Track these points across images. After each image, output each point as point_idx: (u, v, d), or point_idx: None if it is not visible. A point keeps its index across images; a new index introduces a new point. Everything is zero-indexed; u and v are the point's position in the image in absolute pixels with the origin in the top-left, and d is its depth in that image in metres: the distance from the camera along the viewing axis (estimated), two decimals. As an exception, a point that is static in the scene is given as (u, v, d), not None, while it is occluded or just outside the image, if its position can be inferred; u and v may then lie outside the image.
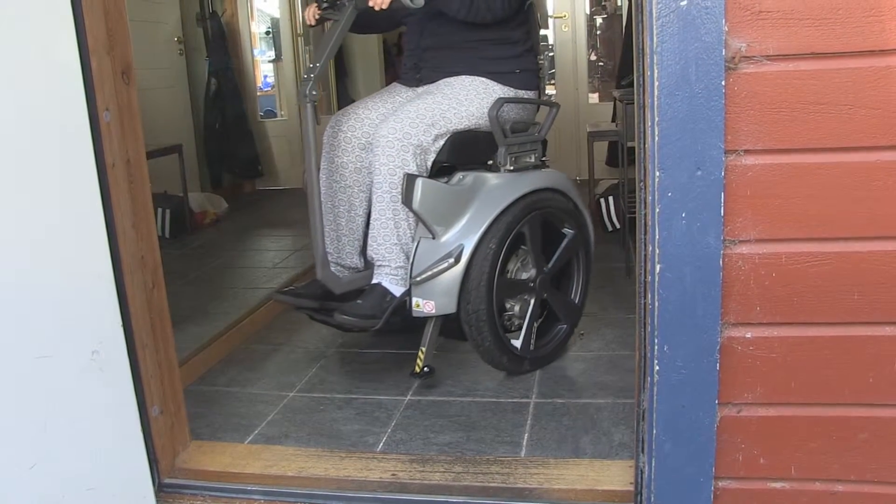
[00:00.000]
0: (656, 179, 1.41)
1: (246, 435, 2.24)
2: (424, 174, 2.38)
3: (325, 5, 2.45)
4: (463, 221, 2.40)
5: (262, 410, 2.40)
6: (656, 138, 1.39)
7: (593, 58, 6.84)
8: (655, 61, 1.37)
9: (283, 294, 2.58)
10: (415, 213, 2.36)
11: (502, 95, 2.52)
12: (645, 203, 1.49)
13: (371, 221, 2.43)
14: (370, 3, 2.32)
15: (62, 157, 1.61)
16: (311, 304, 2.54)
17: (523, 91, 2.62)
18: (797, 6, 1.36)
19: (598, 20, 6.93)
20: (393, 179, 2.34)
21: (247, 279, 3.97)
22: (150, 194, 1.91)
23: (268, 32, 7.18)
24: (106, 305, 1.73)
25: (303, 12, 5.39)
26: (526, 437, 2.14)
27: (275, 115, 7.01)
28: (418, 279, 2.37)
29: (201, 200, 5.15)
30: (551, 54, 6.40)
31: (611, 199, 4.34)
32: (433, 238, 2.39)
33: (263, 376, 2.68)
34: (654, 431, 1.53)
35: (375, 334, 2.97)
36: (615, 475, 1.83)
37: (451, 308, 2.39)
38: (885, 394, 1.46)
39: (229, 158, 6.02)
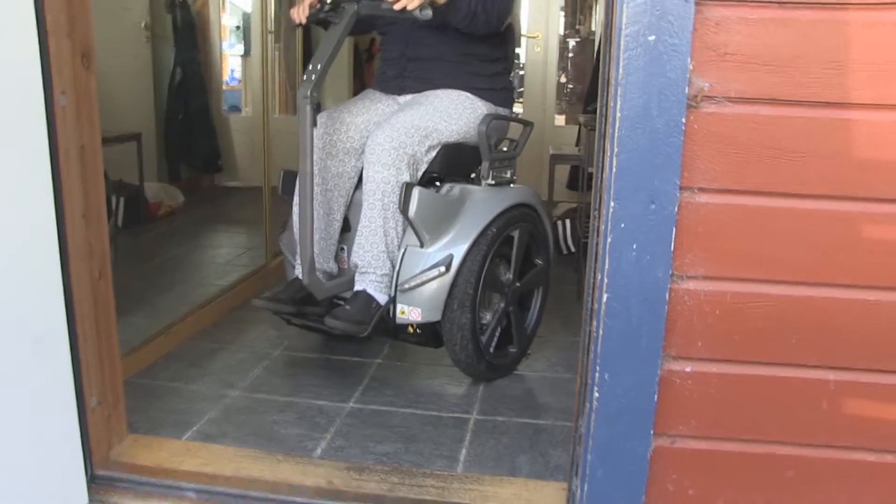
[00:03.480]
0: (610, 209, 1.43)
1: (184, 431, 2.22)
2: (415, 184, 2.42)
3: (327, 7, 2.42)
4: (452, 232, 2.46)
5: (203, 408, 2.38)
6: (614, 169, 1.41)
7: (563, 80, 6.89)
8: (619, 93, 1.40)
9: (262, 300, 2.56)
10: (409, 222, 2.39)
11: (485, 111, 2.58)
12: (597, 232, 1.51)
13: (359, 228, 2.44)
14: (396, 6, 2.28)
15: (14, 140, 1.58)
16: (290, 308, 2.54)
17: (501, 108, 2.69)
18: (761, 51, 1.39)
19: (571, 43, 7.00)
20: (386, 188, 2.36)
21: (197, 274, 3.94)
22: (103, 183, 1.89)
23: (238, 27, 7.14)
24: (50, 293, 1.71)
25: (281, 9, 5.37)
26: (464, 453, 2.15)
27: (239, 111, 6.96)
28: (406, 287, 2.41)
29: (157, 191, 5.08)
30: (522, 73, 6.44)
31: (567, 222, 4.37)
32: (421, 247, 2.43)
33: (207, 373, 2.66)
34: (589, 457, 1.55)
35: (326, 339, 2.97)
36: (548, 496, 1.84)
37: (436, 316, 2.45)
38: (814, 434, 1.49)
39: (189, 151, 5.93)
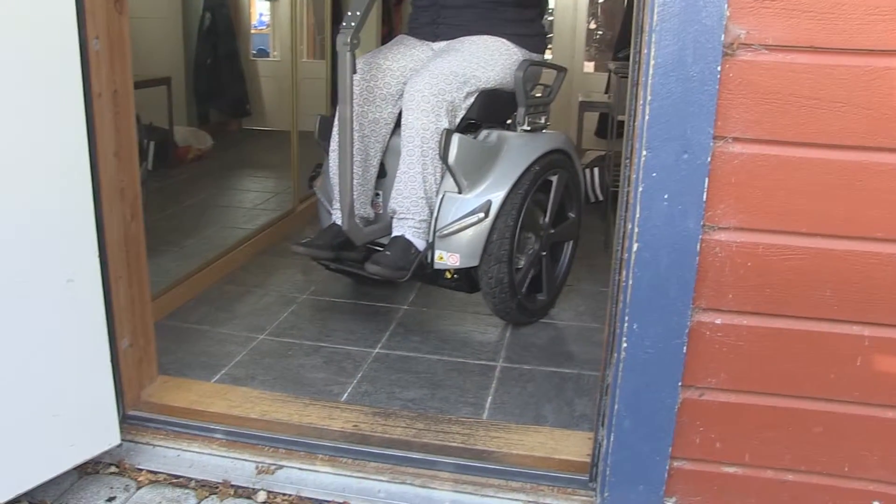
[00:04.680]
0: (642, 158, 1.41)
1: (213, 374, 2.25)
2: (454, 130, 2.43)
3: None
4: (490, 178, 2.47)
5: (231, 351, 2.41)
6: (646, 117, 1.39)
7: (592, 26, 6.79)
8: (653, 40, 1.37)
9: (301, 245, 2.56)
10: (449, 168, 2.40)
11: (520, 57, 2.57)
12: (628, 180, 1.49)
13: (398, 174, 2.44)
14: None
15: (49, 83, 1.59)
16: (328, 254, 2.55)
17: (535, 54, 2.67)
18: (803, -5, 1.36)
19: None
20: (425, 134, 2.36)
21: (225, 218, 3.95)
22: (134, 126, 1.89)
23: (266, -29, 7.08)
24: (83, 234, 1.72)
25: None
26: (489, 400, 2.16)
27: (267, 55, 6.93)
28: (445, 232, 2.42)
29: (186, 135, 5.09)
30: (551, 18, 6.35)
31: (596, 170, 4.34)
32: (459, 192, 2.44)
33: (235, 317, 2.68)
34: (616, 407, 1.55)
35: (352, 284, 2.99)
36: (573, 445, 1.85)
37: (474, 261, 2.46)
38: (844, 390, 1.48)
39: (218, 95, 5.94)
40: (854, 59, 1.36)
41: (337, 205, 2.50)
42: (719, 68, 1.37)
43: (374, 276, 2.41)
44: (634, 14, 1.50)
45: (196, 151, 5.10)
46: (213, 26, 5.82)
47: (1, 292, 1.52)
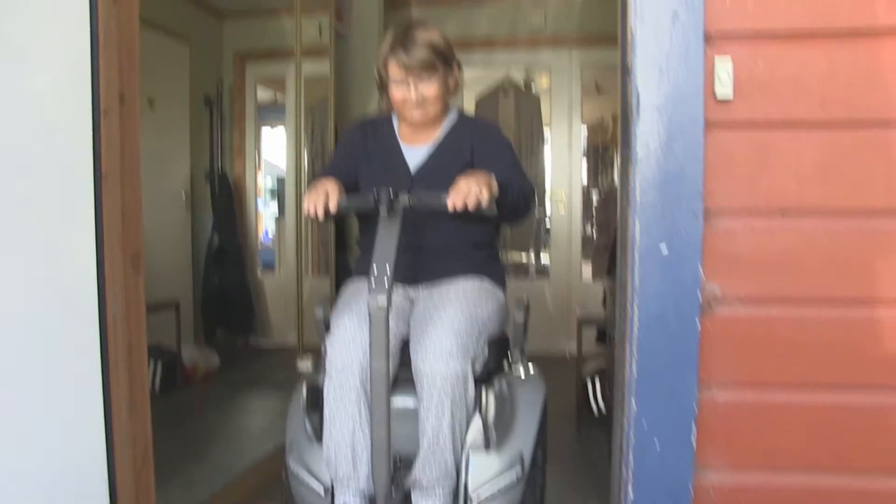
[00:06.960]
0: (632, 410, 1.49)
1: None
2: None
3: (384, 208, 2.14)
4: (515, 428, 2.25)
5: None
6: (634, 373, 1.48)
7: (588, 231, 6.96)
8: (636, 301, 1.48)
9: None
10: (485, 426, 2.18)
11: (502, 297, 2.46)
12: (621, 428, 1.57)
13: (424, 441, 2.15)
14: (450, 206, 2.07)
15: (68, 346, 1.71)
16: None
17: (504, 289, 2.54)
18: (769, 256, 1.49)
19: (595, 196, 7.14)
20: (454, 394, 2.12)
21: (232, 444, 3.95)
22: (147, 377, 2.00)
23: (273, 190, 7.39)
24: (96, 486, 1.78)
25: (314, 175, 5.50)
26: None
27: (273, 267, 7.12)
28: (483, 497, 2.14)
29: (193, 355, 5.16)
30: (548, 228, 6.54)
31: (597, 379, 4.33)
32: (486, 449, 2.18)
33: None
34: None
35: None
36: None
37: None
38: None
39: (225, 314, 6.06)
40: (825, 310, 1.48)
41: (345, 485, 2.19)
42: (699, 323, 1.48)
43: None
44: (618, 272, 1.63)
45: (203, 371, 5.17)
46: (221, 247, 6.01)
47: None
